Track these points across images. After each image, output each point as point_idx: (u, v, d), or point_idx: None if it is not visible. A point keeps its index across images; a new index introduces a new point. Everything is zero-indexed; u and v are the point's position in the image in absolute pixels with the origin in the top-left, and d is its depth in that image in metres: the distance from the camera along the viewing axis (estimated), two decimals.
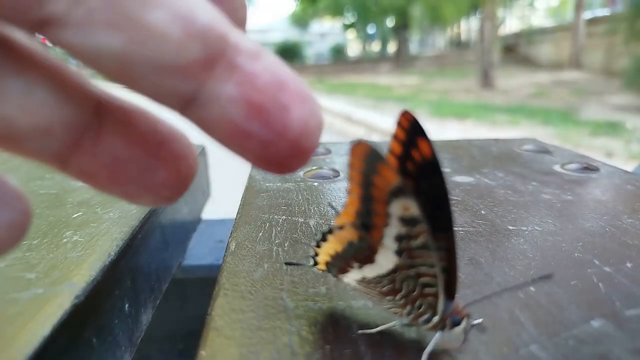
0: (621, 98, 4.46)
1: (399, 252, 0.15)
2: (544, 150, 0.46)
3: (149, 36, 0.09)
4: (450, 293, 0.16)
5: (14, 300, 0.19)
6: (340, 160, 0.43)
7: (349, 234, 0.16)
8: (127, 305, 0.24)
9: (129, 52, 0.09)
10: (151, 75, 0.09)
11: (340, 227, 0.17)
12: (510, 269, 0.22)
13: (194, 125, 0.11)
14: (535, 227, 0.27)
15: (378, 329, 0.17)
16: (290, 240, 0.25)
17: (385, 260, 0.16)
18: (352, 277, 0.17)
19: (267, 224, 0.27)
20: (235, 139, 0.10)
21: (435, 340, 0.16)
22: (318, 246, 0.18)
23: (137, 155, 0.11)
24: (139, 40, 0.09)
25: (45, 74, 0.10)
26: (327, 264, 0.18)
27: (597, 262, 0.22)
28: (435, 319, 0.16)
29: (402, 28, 11.49)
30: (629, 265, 0.22)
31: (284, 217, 0.28)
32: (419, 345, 0.16)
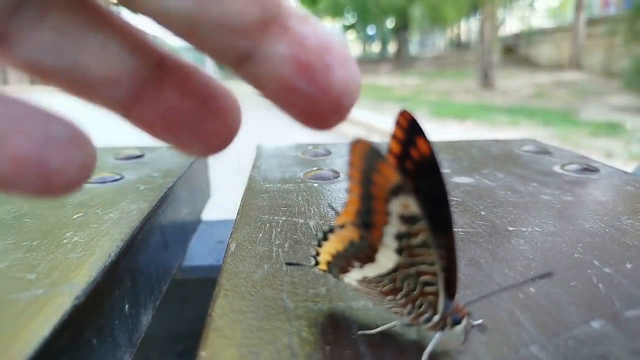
0: (621, 99, 4.46)
1: (399, 251, 0.15)
2: (543, 151, 0.46)
3: None
4: (450, 292, 0.16)
5: (14, 300, 0.19)
6: (340, 161, 0.43)
7: (350, 233, 0.16)
8: (127, 306, 0.24)
9: (196, 12, 0.10)
10: (213, 34, 0.10)
11: (341, 226, 0.17)
12: (510, 269, 0.22)
13: (247, 81, 0.12)
14: (535, 228, 0.27)
15: (378, 329, 0.17)
16: (291, 241, 0.25)
17: (386, 259, 0.16)
18: (353, 276, 0.17)
19: (267, 225, 0.27)
20: (283, 95, 0.12)
21: (435, 340, 0.16)
22: (319, 245, 0.18)
23: (190, 107, 0.13)
24: (206, 2, 0.10)
25: (118, 31, 0.12)
26: (329, 263, 0.18)
27: (597, 263, 0.22)
28: (436, 318, 0.16)
29: (402, 29, 11.49)
30: (628, 266, 0.22)
31: (284, 218, 0.28)
32: (419, 346, 0.16)
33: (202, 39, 0.11)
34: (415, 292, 0.16)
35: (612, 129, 3.30)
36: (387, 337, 0.17)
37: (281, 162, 0.42)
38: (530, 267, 0.22)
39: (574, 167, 0.40)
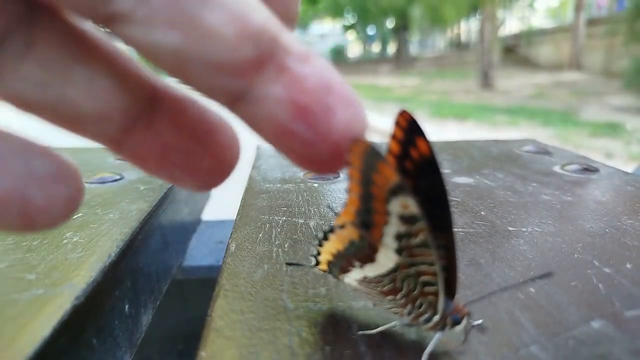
0: (621, 99, 4.46)
1: (399, 251, 0.15)
2: (543, 151, 0.46)
3: (205, 35, 0.09)
4: (450, 292, 0.16)
5: (14, 301, 0.19)
6: None
7: (350, 233, 0.16)
8: (127, 306, 0.24)
9: (185, 49, 0.09)
10: (204, 72, 0.10)
11: (342, 226, 0.17)
12: (510, 269, 0.22)
13: (241, 121, 0.11)
14: (535, 228, 0.27)
15: (378, 329, 0.17)
16: (291, 242, 0.25)
17: (386, 259, 0.16)
18: (353, 276, 0.17)
19: (267, 225, 0.27)
20: (279, 138, 0.11)
21: (435, 340, 0.16)
22: (320, 245, 0.18)
23: (185, 143, 0.12)
24: (195, 39, 0.09)
25: (108, 62, 0.11)
26: (329, 263, 0.18)
27: (597, 263, 0.22)
28: (436, 318, 0.16)
29: (402, 29, 11.49)
30: (628, 266, 0.22)
31: (284, 218, 0.28)
32: (419, 346, 0.16)
33: (191, 76, 0.10)
34: (415, 292, 0.16)
35: (612, 129, 3.30)
36: (387, 337, 0.17)
37: (281, 162, 0.42)
38: (530, 267, 0.22)
39: (574, 167, 0.40)
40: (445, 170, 0.39)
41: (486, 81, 6.01)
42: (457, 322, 0.16)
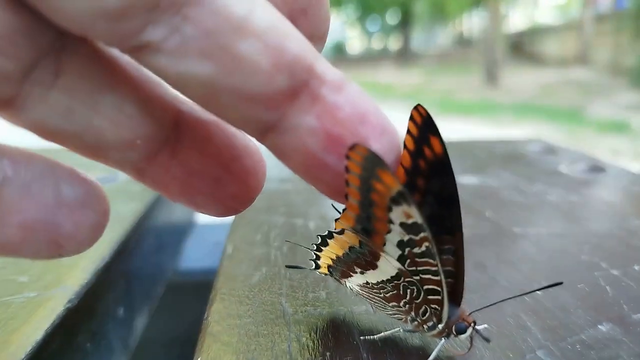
0: (628, 96, 4.44)
1: (401, 258, 0.15)
2: (549, 150, 0.46)
3: (238, 66, 0.09)
4: (455, 299, 0.15)
5: (6, 303, 0.18)
6: None
7: (350, 239, 0.16)
8: (121, 310, 0.23)
9: (217, 80, 0.09)
10: (236, 104, 0.09)
11: (340, 232, 0.16)
12: (516, 272, 0.22)
13: (270, 150, 0.11)
14: (541, 229, 0.27)
15: (380, 335, 0.17)
16: (290, 243, 0.24)
17: (388, 266, 0.15)
18: (355, 281, 0.17)
19: (265, 226, 0.27)
20: (309, 169, 0.11)
21: (439, 347, 0.16)
22: (319, 250, 0.17)
23: (210, 169, 0.12)
24: (227, 70, 0.09)
25: (135, 89, 0.11)
26: (329, 267, 0.18)
27: (604, 265, 0.22)
28: (440, 326, 0.15)
29: (404, 25, 11.47)
30: (636, 268, 0.22)
31: (282, 219, 0.28)
32: (423, 353, 0.16)
33: (222, 107, 0.10)
34: (418, 300, 0.16)
35: (618, 127, 3.28)
36: (390, 343, 0.16)
37: (280, 161, 0.41)
38: (536, 269, 0.22)
39: (580, 167, 0.39)
40: None
41: (491, 78, 5.99)
42: (462, 331, 0.15)
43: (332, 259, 0.17)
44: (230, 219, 0.28)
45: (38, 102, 0.10)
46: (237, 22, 0.09)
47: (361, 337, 0.17)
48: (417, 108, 0.15)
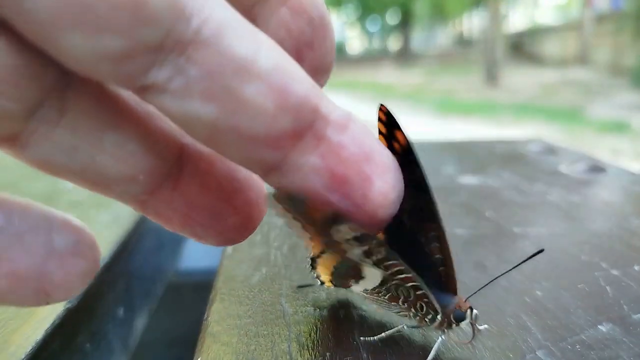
0: (628, 96, 4.44)
1: (377, 264, 0.15)
2: (549, 150, 0.46)
3: (242, 108, 0.09)
4: (450, 286, 0.16)
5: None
6: None
7: (331, 258, 0.16)
8: (121, 310, 0.23)
9: (221, 121, 0.09)
10: (240, 144, 0.09)
11: (321, 253, 0.16)
12: (516, 272, 0.21)
13: (272, 186, 0.11)
14: (541, 229, 0.26)
15: (380, 335, 0.17)
16: (290, 244, 0.24)
17: (372, 274, 0.16)
18: (356, 290, 0.17)
19: (265, 227, 0.27)
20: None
21: (437, 346, 0.16)
22: (314, 268, 0.18)
23: (211, 202, 0.12)
24: (231, 111, 0.09)
25: (139, 124, 0.11)
26: (331, 281, 0.18)
27: (604, 265, 0.22)
28: (439, 316, 0.16)
29: (404, 24, 11.46)
30: (636, 268, 0.22)
31: (282, 219, 0.28)
32: (423, 353, 0.16)
33: (226, 148, 0.10)
34: (411, 297, 0.16)
35: (618, 127, 3.28)
36: (390, 344, 0.16)
37: None
38: (536, 269, 0.22)
39: (580, 167, 0.39)
40: (449, 170, 0.39)
41: (491, 78, 5.99)
42: (461, 317, 0.15)
43: (328, 275, 0.18)
44: None
45: (42, 139, 0.10)
46: (242, 64, 0.09)
47: (361, 338, 0.17)
48: (381, 108, 0.15)
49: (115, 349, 0.22)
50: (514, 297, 0.19)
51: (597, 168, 0.39)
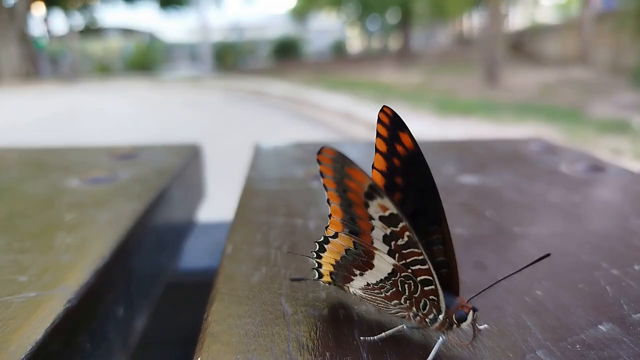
0: (628, 96, 4.43)
1: (391, 254, 0.15)
2: (550, 150, 0.46)
3: None
4: (453, 288, 0.16)
5: (6, 303, 0.18)
6: None
7: (344, 241, 0.16)
8: (121, 310, 0.23)
9: None
10: None
11: (335, 236, 0.16)
12: (515, 270, 0.22)
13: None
14: (542, 229, 0.26)
15: (381, 335, 0.17)
16: (290, 243, 0.24)
17: (383, 263, 0.16)
18: (357, 285, 0.17)
19: (265, 227, 0.27)
20: None
21: (438, 346, 0.16)
22: (319, 257, 0.18)
23: None
24: None
25: None
26: (331, 274, 0.18)
27: (604, 265, 0.22)
28: (441, 316, 0.16)
29: (404, 24, 11.44)
30: (637, 267, 0.22)
31: (282, 219, 0.28)
32: (423, 353, 0.16)
33: None
34: (417, 294, 0.16)
35: (619, 126, 3.28)
36: (390, 344, 0.16)
37: (280, 161, 0.41)
38: (536, 269, 0.22)
39: (580, 166, 0.39)
40: (450, 169, 0.39)
41: (491, 77, 5.98)
42: (463, 318, 0.15)
43: (332, 265, 0.17)
44: (230, 218, 0.28)
45: None
46: None
47: (361, 338, 0.17)
48: (383, 109, 0.15)
49: (115, 348, 0.22)
50: (514, 296, 0.19)
51: (597, 167, 0.39)
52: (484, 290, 0.16)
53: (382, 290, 0.17)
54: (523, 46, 9.49)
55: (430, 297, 0.16)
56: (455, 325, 0.16)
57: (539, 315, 0.18)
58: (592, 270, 0.22)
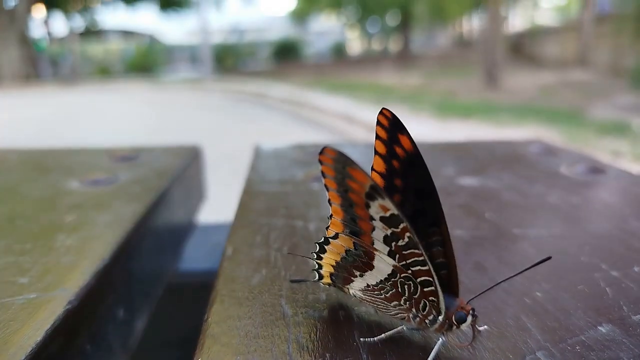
0: (627, 98, 4.43)
1: (391, 255, 0.15)
2: (549, 151, 0.46)
3: None
4: (452, 290, 0.16)
5: (7, 305, 0.18)
6: None
7: (345, 242, 0.16)
8: (121, 311, 0.23)
9: None
10: None
11: (335, 236, 0.16)
12: (515, 273, 0.22)
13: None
14: (541, 231, 0.26)
15: (381, 336, 0.17)
16: (290, 245, 0.24)
17: (383, 264, 0.16)
18: (357, 286, 0.17)
19: (266, 228, 0.27)
20: None
21: (437, 347, 0.16)
22: (319, 258, 0.18)
23: None
24: None
25: None
26: (331, 275, 0.18)
27: (604, 267, 0.22)
28: (441, 317, 0.16)
29: (404, 26, 11.46)
30: (636, 269, 0.22)
31: (282, 220, 0.28)
32: (423, 354, 0.16)
33: None
34: (417, 295, 0.16)
35: (618, 128, 3.28)
36: (390, 345, 0.16)
37: (280, 163, 0.41)
38: (536, 271, 0.22)
39: (580, 168, 0.39)
40: (449, 171, 0.39)
41: (491, 79, 5.98)
42: (462, 319, 0.15)
43: (332, 266, 0.17)
44: (230, 220, 0.28)
45: None
46: None
47: (361, 339, 0.17)
48: (383, 112, 0.15)
49: (115, 350, 0.22)
50: (514, 298, 0.19)
51: (596, 169, 0.39)
52: (484, 292, 0.16)
53: (381, 292, 0.17)
54: (523, 48, 9.50)
55: (430, 298, 0.16)
56: (454, 327, 0.16)
57: (539, 317, 0.18)
58: (591, 271, 0.22)
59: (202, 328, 0.17)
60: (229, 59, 11.65)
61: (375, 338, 0.17)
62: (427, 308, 0.16)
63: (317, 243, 0.17)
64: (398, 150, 0.15)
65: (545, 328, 0.17)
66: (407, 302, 0.16)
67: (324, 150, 0.12)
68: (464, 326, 0.16)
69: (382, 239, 0.15)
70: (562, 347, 0.16)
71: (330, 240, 0.17)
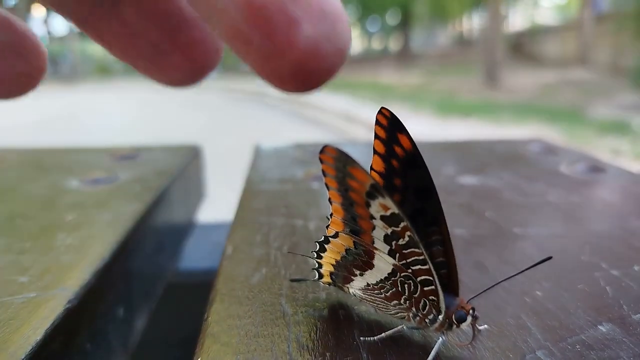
0: (628, 97, 4.43)
1: (391, 254, 0.15)
2: (550, 150, 0.46)
3: None
4: (452, 289, 0.16)
5: (6, 304, 0.18)
6: None
7: (345, 241, 0.16)
8: (121, 310, 0.23)
9: None
10: None
11: (335, 235, 0.16)
12: (516, 272, 0.22)
13: (197, 13, 0.10)
14: (542, 230, 0.26)
15: (381, 336, 0.17)
16: (290, 244, 0.24)
17: (383, 263, 0.16)
18: (357, 285, 0.17)
19: (265, 227, 0.26)
20: (233, 41, 0.09)
21: (437, 346, 0.16)
22: (319, 257, 0.18)
23: (152, 34, 0.11)
24: None
25: None
26: (331, 274, 0.18)
27: (604, 266, 0.22)
28: (441, 317, 0.16)
29: (405, 25, 11.45)
30: (636, 268, 0.22)
31: (282, 219, 0.28)
32: (423, 353, 0.16)
33: None
34: (416, 294, 0.16)
35: (619, 127, 3.28)
36: (390, 344, 0.16)
37: (280, 162, 0.41)
38: (537, 270, 0.22)
39: (580, 167, 0.39)
40: (449, 170, 0.39)
41: (491, 78, 5.98)
42: (462, 318, 0.15)
43: (332, 265, 0.17)
44: (230, 219, 0.28)
45: None
46: None
47: (361, 338, 0.17)
48: (382, 111, 0.15)
49: (116, 349, 0.22)
50: (514, 297, 0.19)
51: (597, 168, 0.39)
52: (484, 291, 0.16)
53: (381, 291, 0.17)
54: (523, 47, 9.50)
55: (430, 297, 0.16)
56: (455, 326, 0.16)
57: (539, 316, 0.18)
58: (592, 270, 0.22)
59: (202, 327, 0.17)
60: (229, 58, 11.65)
61: (375, 337, 0.17)
62: (427, 307, 0.16)
63: (317, 242, 0.17)
64: (397, 149, 0.15)
65: (546, 327, 0.17)
66: (407, 301, 0.16)
67: (324, 149, 0.13)
68: (464, 325, 0.16)
69: (382, 238, 0.15)
70: (562, 346, 0.16)
71: (330, 239, 0.17)
